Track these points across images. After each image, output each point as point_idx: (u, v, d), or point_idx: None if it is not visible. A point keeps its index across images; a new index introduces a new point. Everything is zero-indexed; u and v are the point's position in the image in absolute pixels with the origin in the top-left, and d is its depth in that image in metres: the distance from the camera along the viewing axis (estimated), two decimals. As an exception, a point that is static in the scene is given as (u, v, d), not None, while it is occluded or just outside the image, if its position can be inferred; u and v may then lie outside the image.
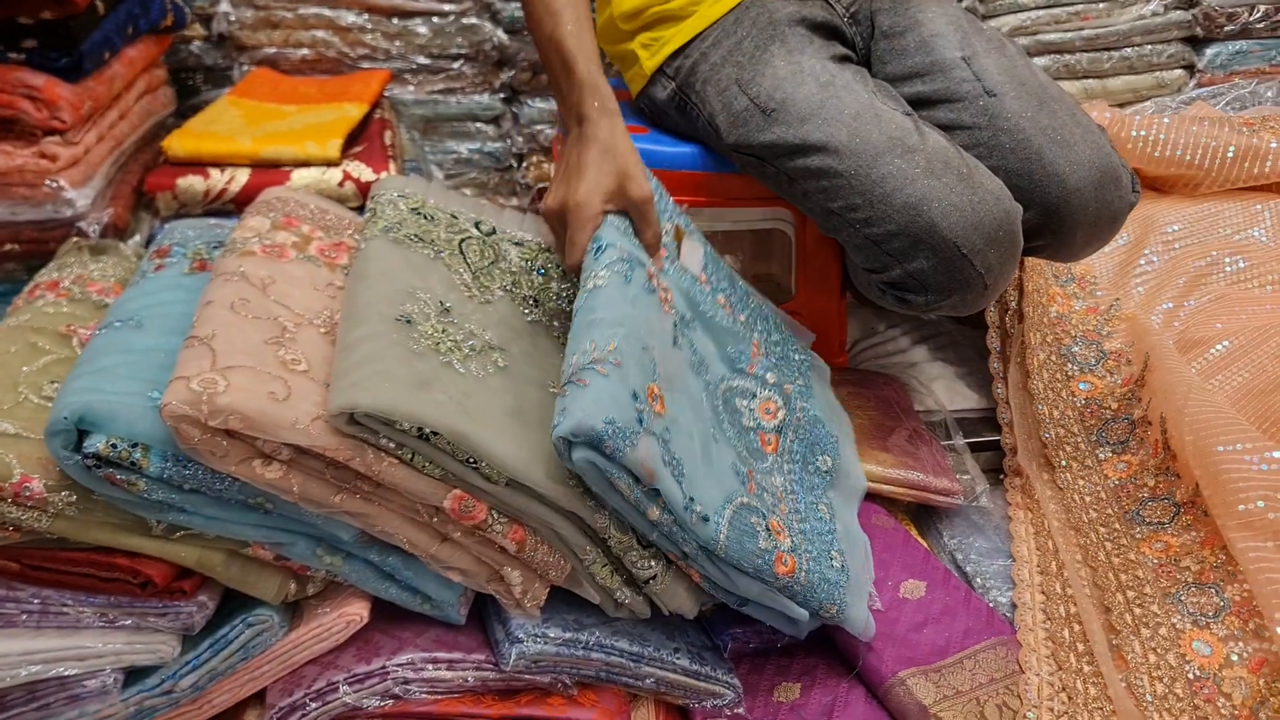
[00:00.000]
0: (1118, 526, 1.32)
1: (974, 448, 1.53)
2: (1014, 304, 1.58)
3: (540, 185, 2.11)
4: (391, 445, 0.97)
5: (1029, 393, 1.50)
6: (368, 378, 0.98)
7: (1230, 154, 1.65)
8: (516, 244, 1.31)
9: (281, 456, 0.96)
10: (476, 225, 1.30)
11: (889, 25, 1.48)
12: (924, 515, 1.42)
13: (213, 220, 1.42)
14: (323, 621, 1.05)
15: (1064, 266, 1.64)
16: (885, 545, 1.30)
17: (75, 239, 1.39)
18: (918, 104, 1.40)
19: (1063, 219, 1.34)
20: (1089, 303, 1.58)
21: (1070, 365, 1.52)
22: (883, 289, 1.38)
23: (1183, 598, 1.19)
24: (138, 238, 1.51)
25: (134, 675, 1.02)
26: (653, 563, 1.09)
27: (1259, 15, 2.11)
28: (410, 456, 0.98)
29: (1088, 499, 1.37)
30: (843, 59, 1.43)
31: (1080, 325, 1.56)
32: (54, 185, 1.41)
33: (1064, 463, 1.43)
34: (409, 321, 1.08)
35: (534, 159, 2.11)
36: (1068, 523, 1.35)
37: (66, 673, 0.98)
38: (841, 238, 1.37)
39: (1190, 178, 1.67)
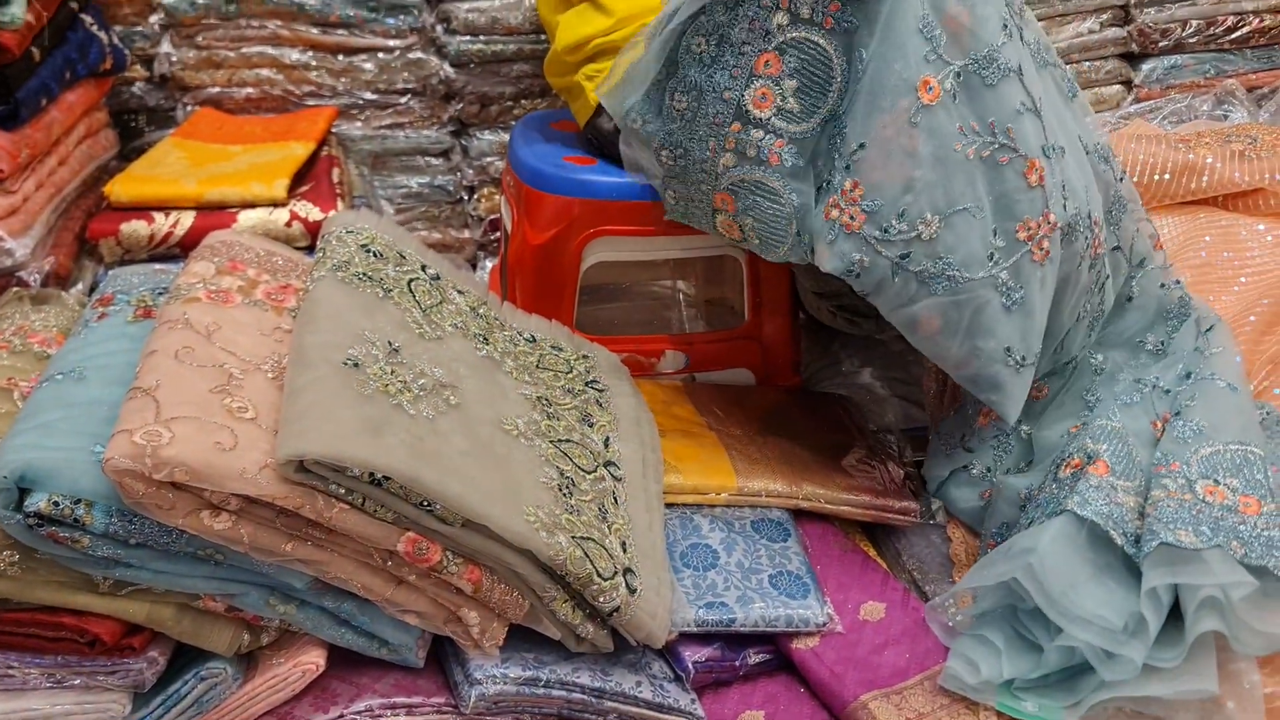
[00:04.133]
0: None
1: (929, 466, 1.54)
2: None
3: (492, 216, 2.11)
4: (342, 491, 0.96)
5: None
6: (316, 424, 0.97)
7: (1167, 176, 1.68)
8: (460, 291, 1.31)
9: (230, 507, 0.95)
10: (423, 268, 1.29)
11: None
12: (882, 535, 1.43)
13: (158, 266, 1.40)
14: (278, 672, 1.04)
15: None
16: (844, 568, 1.31)
17: (16, 289, 1.38)
18: None
19: None
20: None
21: None
22: (833, 312, 1.39)
23: None
24: (81, 285, 1.49)
25: (86, 735, 1.00)
26: (615, 594, 1.08)
27: (1192, 30, 2.16)
28: (361, 501, 0.97)
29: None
30: None
31: None
32: (-9, 235, 1.39)
33: None
34: (357, 365, 1.08)
35: (484, 191, 2.11)
36: None
37: (15, 736, 0.96)
38: (791, 265, 1.37)
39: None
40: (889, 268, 1.22)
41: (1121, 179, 1.41)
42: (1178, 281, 1.46)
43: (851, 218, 1.22)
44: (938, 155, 1.20)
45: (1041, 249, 1.24)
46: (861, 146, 1.21)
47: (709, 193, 1.31)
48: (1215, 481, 1.19)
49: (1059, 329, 1.34)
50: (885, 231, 1.21)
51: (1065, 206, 1.26)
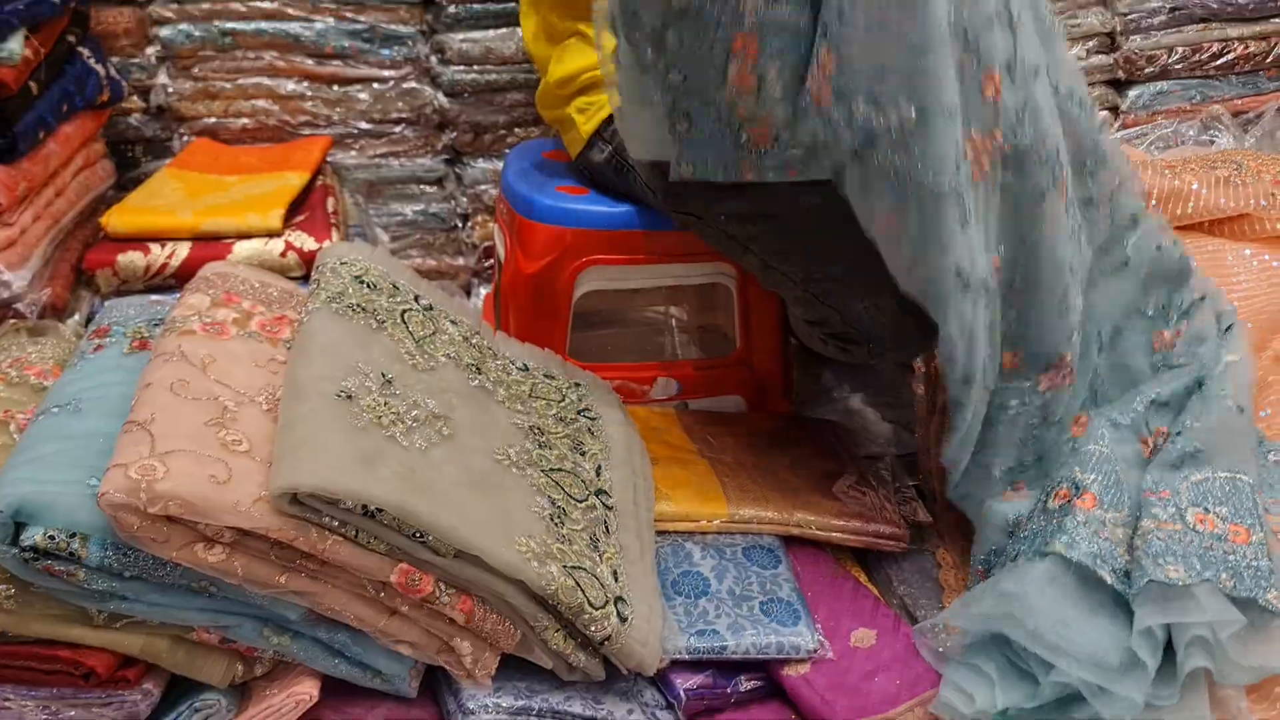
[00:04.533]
0: None
1: (920, 491, 1.55)
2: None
3: (486, 244, 2.12)
4: (335, 523, 0.97)
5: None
6: (309, 456, 0.98)
7: (1154, 202, 1.70)
8: (453, 322, 1.32)
9: (224, 539, 0.96)
10: (416, 299, 1.31)
11: None
12: (872, 561, 1.44)
13: (154, 297, 1.41)
14: (271, 702, 1.04)
15: None
16: (835, 594, 1.31)
17: (13, 321, 1.39)
18: None
19: None
20: None
21: None
22: (824, 339, 1.40)
23: None
24: (77, 316, 1.51)
25: (80, 768, 1.00)
26: (607, 623, 1.09)
27: (1177, 57, 2.18)
28: (355, 533, 0.98)
29: None
30: None
31: None
32: (-10, 268, 1.41)
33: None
34: (350, 396, 1.09)
35: (479, 219, 2.12)
36: None
37: (10, 770, 0.97)
38: (782, 292, 1.38)
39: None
40: (849, 156, 1.12)
41: (1102, 130, 1.33)
42: (1175, 242, 1.41)
43: (819, 90, 1.11)
44: (921, 43, 1.09)
45: (981, 167, 1.16)
46: (841, 14, 1.09)
47: (727, 39, 1.12)
48: (1205, 509, 1.20)
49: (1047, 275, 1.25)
50: (851, 115, 1.10)
51: (1018, 132, 1.17)
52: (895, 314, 1.28)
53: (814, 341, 1.44)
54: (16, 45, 1.43)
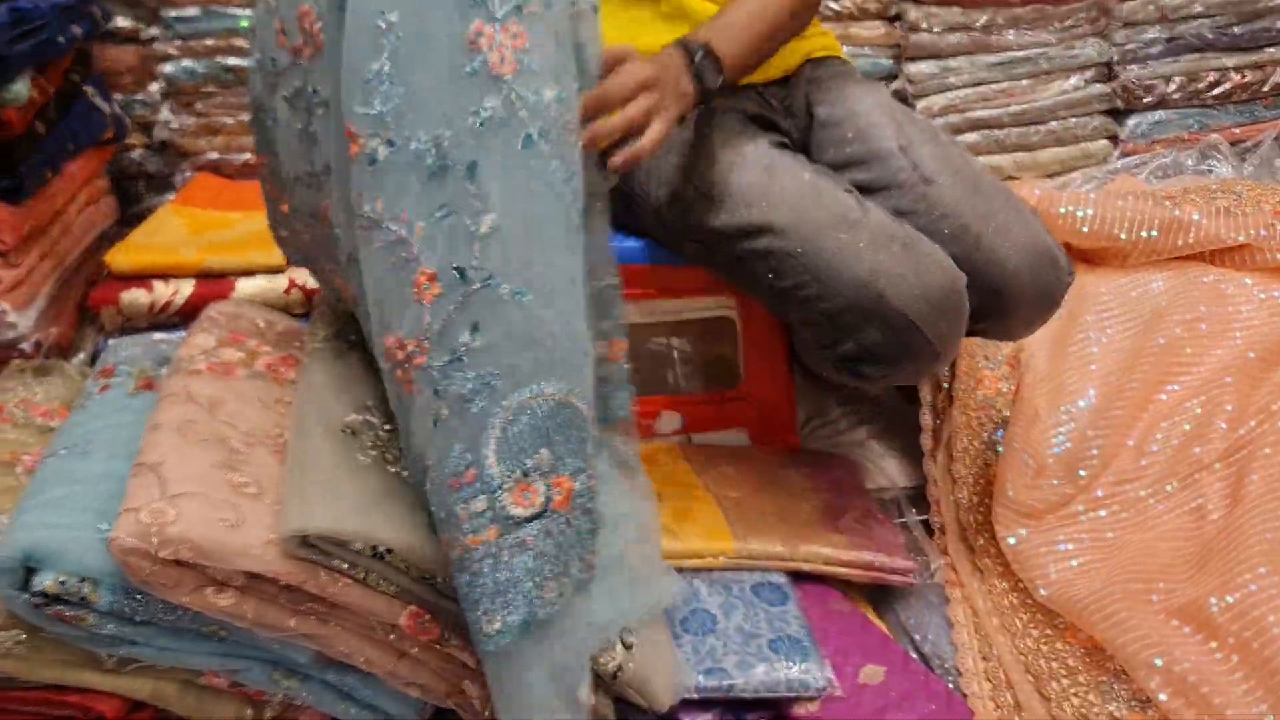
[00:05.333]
0: (1039, 616, 1.36)
1: (927, 525, 1.55)
2: (946, 385, 1.61)
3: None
4: (345, 566, 0.97)
5: (953, 476, 1.54)
6: (319, 498, 0.98)
7: (1154, 233, 1.71)
8: None
9: (235, 583, 0.95)
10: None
11: (825, 116, 1.52)
12: (881, 596, 1.43)
13: (158, 336, 1.42)
14: (281, 746, 1.04)
15: (995, 348, 1.68)
16: (843, 630, 1.31)
17: (18, 361, 1.39)
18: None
19: (1003, 301, 1.38)
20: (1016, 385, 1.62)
21: (991, 453, 1.56)
22: (837, 364, 1.40)
23: (1114, 685, 1.22)
24: (82, 355, 1.51)
25: (88, 814, 1.00)
26: (615, 657, 1.09)
27: (1175, 87, 2.20)
28: (365, 575, 0.98)
29: (1005, 585, 1.41)
30: (780, 145, 1.47)
31: (1006, 410, 1.60)
32: (-4, 309, 1.41)
33: (981, 543, 1.47)
34: (354, 434, 1.09)
35: (480, 251, 2.13)
36: (992, 608, 1.37)
37: (18, 817, 0.96)
38: (792, 317, 1.39)
39: (1118, 250, 1.73)
40: None
41: None
42: None
43: None
44: None
45: None
46: None
47: None
48: None
49: None
50: None
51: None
52: (905, 332, 1.28)
53: (825, 368, 1.45)
54: (23, 87, 1.44)
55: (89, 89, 1.71)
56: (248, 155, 2.01)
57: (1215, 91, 2.21)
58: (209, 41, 1.97)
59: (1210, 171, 2.13)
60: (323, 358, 1.19)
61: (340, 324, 1.25)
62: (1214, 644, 1.20)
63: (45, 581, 0.92)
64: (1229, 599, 1.22)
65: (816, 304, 1.32)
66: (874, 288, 1.27)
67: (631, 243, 1.52)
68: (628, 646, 1.10)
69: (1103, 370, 1.59)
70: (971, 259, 1.35)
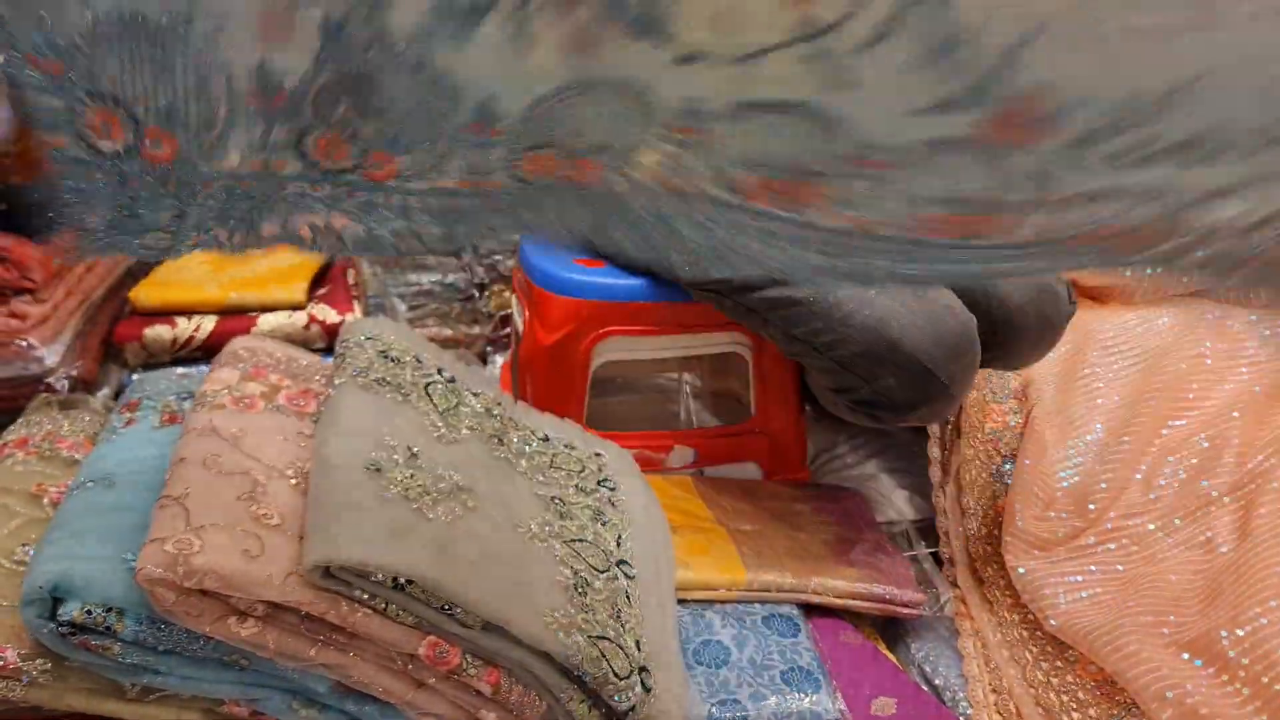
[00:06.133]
0: (1049, 649, 1.36)
1: (937, 557, 1.56)
2: (953, 419, 1.63)
3: (502, 313, 2.15)
4: (366, 596, 0.99)
5: (962, 508, 1.55)
6: (343, 530, 1.00)
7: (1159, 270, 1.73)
8: (475, 394, 1.35)
9: (257, 613, 0.97)
10: (439, 371, 1.33)
11: None
12: (891, 628, 1.44)
13: (180, 370, 1.44)
14: (300, 775, 1.05)
15: (1001, 381, 1.70)
16: (855, 662, 1.32)
17: (44, 395, 1.41)
18: None
19: (1007, 334, 1.40)
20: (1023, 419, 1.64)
21: (999, 485, 1.58)
22: (852, 407, 1.42)
23: (1125, 718, 1.22)
24: (106, 390, 1.53)
25: (110, 842, 1.01)
26: (631, 693, 1.10)
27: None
28: (385, 606, 1.00)
29: (1015, 617, 1.41)
30: None
31: (1013, 443, 1.62)
32: (24, 344, 1.44)
33: (991, 575, 1.48)
34: (379, 469, 1.11)
35: (495, 288, 2.16)
36: (1002, 640, 1.38)
37: (42, 845, 0.98)
38: (806, 362, 1.41)
39: (1124, 287, 1.75)
40: None
41: None
42: None
43: None
44: None
45: None
46: None
47: None
48: None
49: None
50: None
51: None
52: (920, 377, 1.30)
53: (841, 410, 1.47)
54: (52, 127, 1.47)
55: (114, 129, 1.75)
56: (267, 194, 2.04)
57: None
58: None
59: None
60: (349, 393, 1.22)
61: (367, 361, 1.27)
62: (1225, 677, 1.20)
63: (72, 611, 0.94)
64: (1239, 632, 1.23)
65: (830, 351, 1.34)
66: (886, 334, 1.30)
67: (640, 280, 1.55)
68: (647, 689, 1.11)
69: (1109, 405, 1.61)
70: (974, 294, 1.38)
